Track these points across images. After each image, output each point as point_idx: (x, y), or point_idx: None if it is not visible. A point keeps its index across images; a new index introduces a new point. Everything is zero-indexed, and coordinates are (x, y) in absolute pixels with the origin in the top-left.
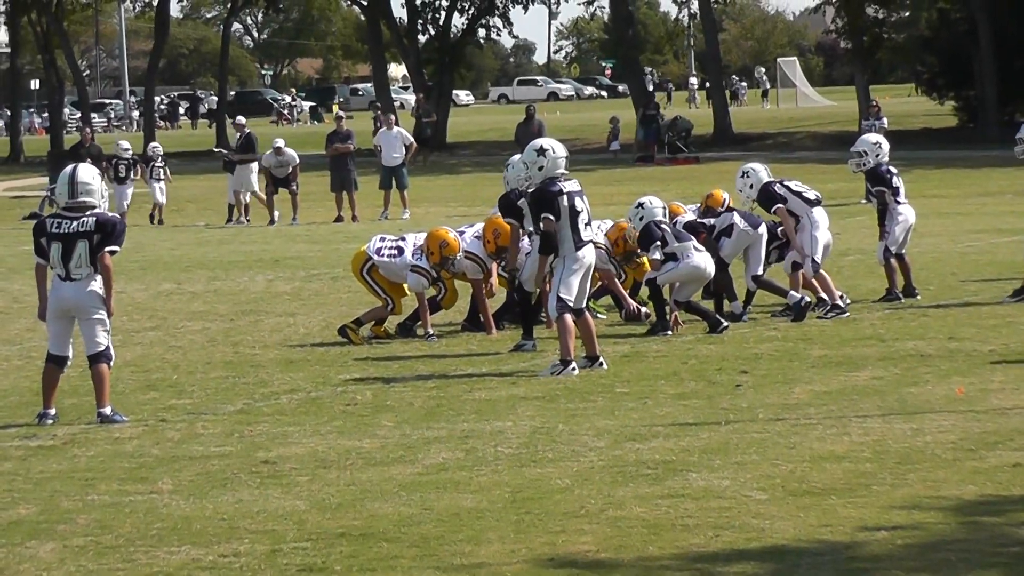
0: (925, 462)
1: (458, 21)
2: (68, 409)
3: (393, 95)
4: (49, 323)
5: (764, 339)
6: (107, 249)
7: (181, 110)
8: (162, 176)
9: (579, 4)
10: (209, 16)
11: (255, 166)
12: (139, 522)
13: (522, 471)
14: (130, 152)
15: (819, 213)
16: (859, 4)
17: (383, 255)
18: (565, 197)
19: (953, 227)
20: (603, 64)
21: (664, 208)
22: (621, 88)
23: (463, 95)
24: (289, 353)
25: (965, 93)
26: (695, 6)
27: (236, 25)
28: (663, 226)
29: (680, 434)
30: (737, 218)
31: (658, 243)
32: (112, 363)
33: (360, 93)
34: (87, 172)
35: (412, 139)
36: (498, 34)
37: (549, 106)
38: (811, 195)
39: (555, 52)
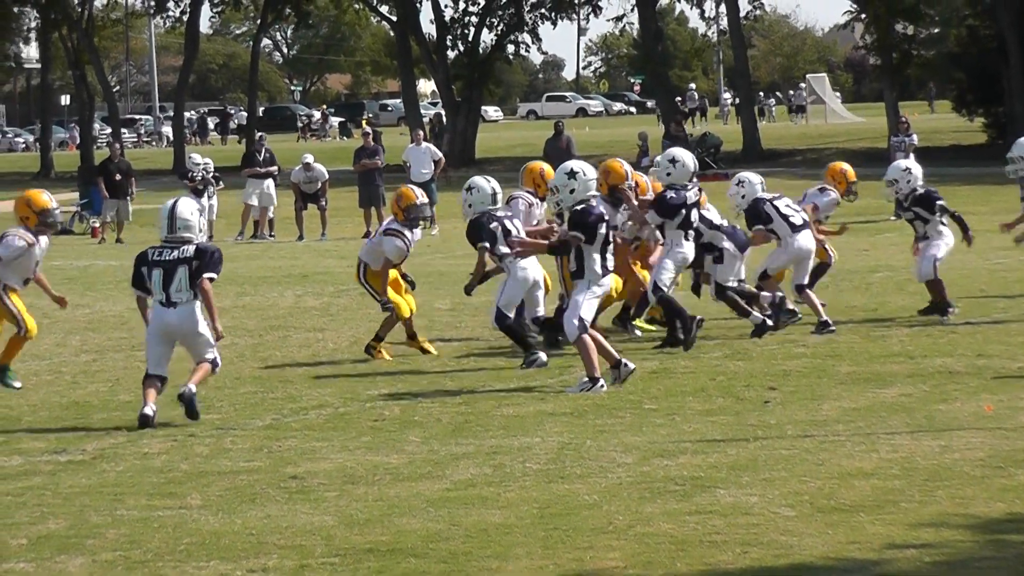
0: (953, 479)
1: (487, 37)
2: (97, 423)
3: (422, 111)
4: (150, 345)
5: (792, 356)
6: (206, 276)
7: (211, 125)
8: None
9: (608, 20)
10: (239, 32)
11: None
12: (168, 537)
13: (550, 487)
14: (208, 165)
15: (805, 237)
16: (888, 20)
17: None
18: (605, 225)
19: (982, 244)
20: (632, 80)
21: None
22: (650, 104)
23: (492, 111)
24: (317, 369)
25: (994, 109)
26: (724, 22)
27: (265, 41)
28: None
29: (708, 450)
30: (727, 243)
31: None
32: (218, 369)
33: (389, 109)
34: (187, 207)
35: (440, 155)
36: (527, 50)
37: (578, 122)
38: (797, 220)
39: (584, 68)
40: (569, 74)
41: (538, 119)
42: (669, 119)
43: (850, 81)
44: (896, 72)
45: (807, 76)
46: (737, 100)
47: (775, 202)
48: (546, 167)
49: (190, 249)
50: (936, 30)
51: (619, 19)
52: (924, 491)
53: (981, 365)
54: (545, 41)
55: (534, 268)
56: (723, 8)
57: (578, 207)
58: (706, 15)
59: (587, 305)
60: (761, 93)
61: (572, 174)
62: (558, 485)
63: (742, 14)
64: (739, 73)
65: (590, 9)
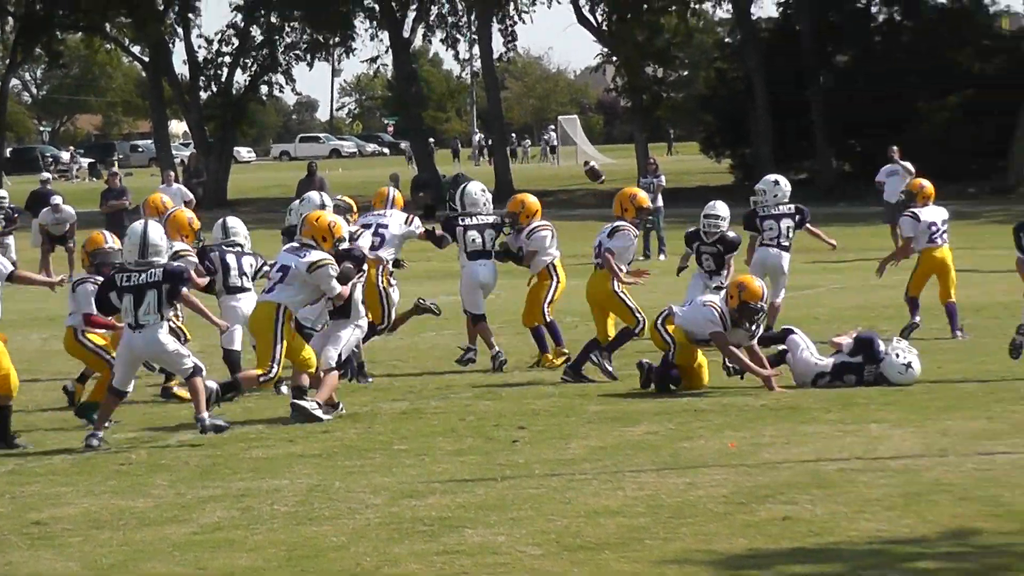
0: (697, 516)
1: (240, 78)
2: None
3: (174, 151)
4: (119, 363)
5: (542, 395)
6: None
7: None
8: None
9: (362, 61)
10: None
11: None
12: None
13: (298, 529)
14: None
15: None
16: (638, 63)
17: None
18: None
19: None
20: (386, 121)
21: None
22: (403, 145)
23: (244, 152)
24: (63, 413)
25: (741, 151)
26: (478, 64)
27: (14, 81)
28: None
29: (457, 490)
30: None
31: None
32: (204, 373)
33: (140, 150)
34: (156, 231)
35: (192, 195)
36: (280, 91)
37: (331, 163)
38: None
39: (338, 109)
40: (323, 115)
41: (291, 160)
42: (422, 161)
43: (601, 123)
44: (646, 114)
45: (559, 118)
46: (490, 141)
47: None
48: None
49: (158, 272)
50: (685, 73)
51: (373, 60)
52: (669, 528)
53: (726, 403)
54: (299, 82)
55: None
56: (477, 50)
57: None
58: (460, 57)
59: (351, 342)
60: (514, 134)
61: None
62: (306, 527)
63: (495, 56)
64: (492, 115)
65: (344, 50)
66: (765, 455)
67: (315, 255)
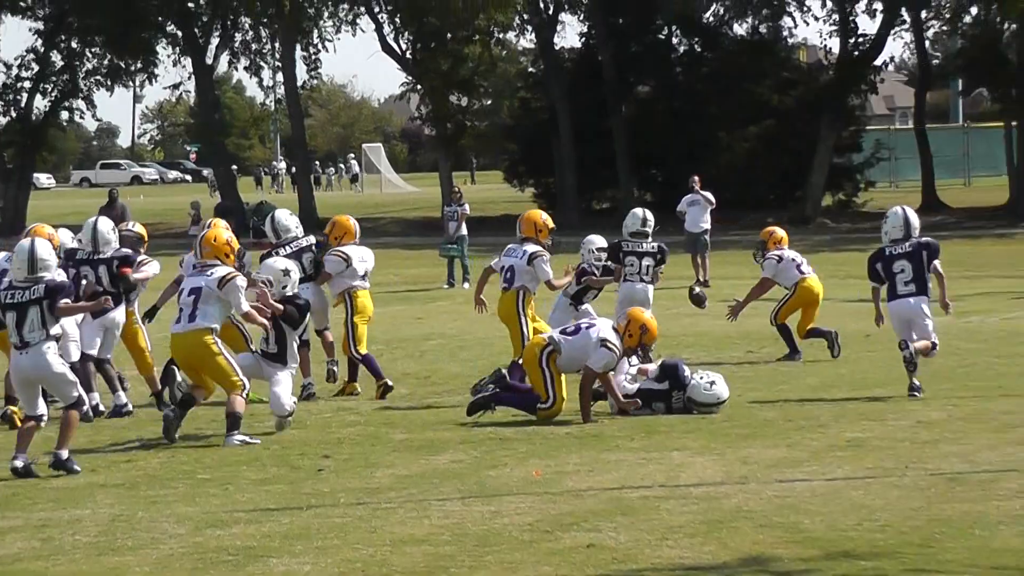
0: (503, 544)
1: (40, 103)
2: None
3: None
4: (18, 390)
5: (347, 424)
6: (60, 303)
7: None
8: None
9: (164, 88)
10: None
11: None
12: None
13: (100, 559)
14: None
15: None
16: (442, 92)
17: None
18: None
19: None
20: (188, 148)
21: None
22: (206, 172)
23: (44, 178)
24: None
25: (545, 180)
26: (282, 91)
27: None
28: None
29: (262, 519)
30: None
31: None
32: (84, 408)
33: None
34: (44, 247)
35: None
36: (81, 117)
37: (133, 190)
38: None
39: (139, 136)
40: (124, 141)
41: (92, 186)
42: (225, 188)
43: (406, 151)
44: (450, 143)
45: (363, 146)
46: (293, 169)
47: None
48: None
49: (40, 288)
50: (489, 102)
51: (176, 87)
52: (474, 556)
53: (531, 431)
54: (100, 108)
55: None
56: (280, 77)
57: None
58: (264, 84)
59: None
60: (318, 162)
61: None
62: (109, 558)
63: (299, 83)
64: (296, 142)
65: (146, 77)
66: (569, 483)
67: (222, 270)
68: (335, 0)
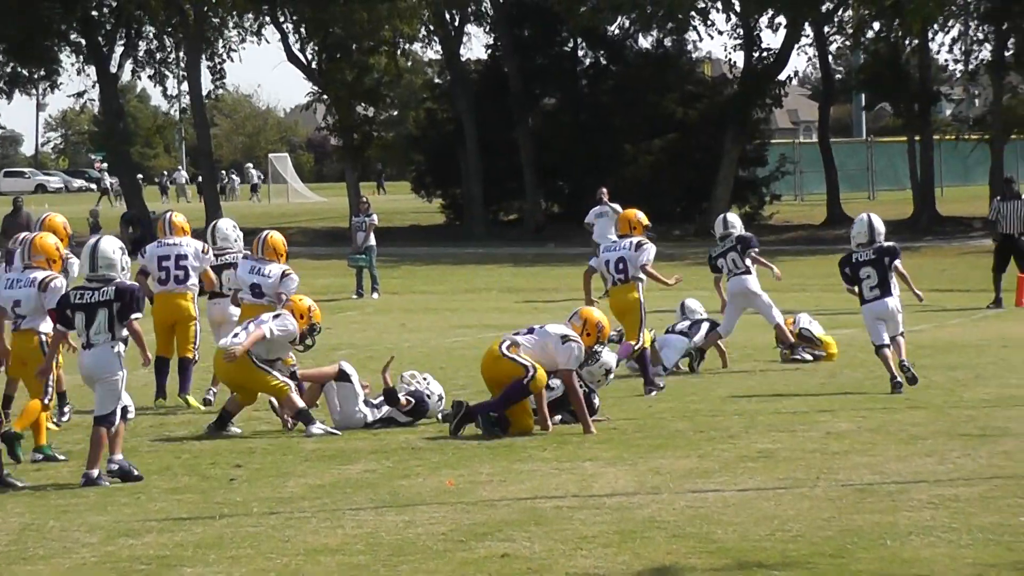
0: (417, 553)
1: None
2: None
3: None
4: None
5: (258, 433)
6: (132, 317)
7: None
8: None
9: (68, 96)
10: None
11: None
12: None
13: (11, 569)
14: None
15: None
16: (349, 102)
17: None
18: None
19: (441, 322)
20: (92, 157)
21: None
22: (110, 181)
23: None
24: None
25: (452, 191)
26: (187, 100)
27: None
28: None
29: (174, 529)
30: None
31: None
32: (114, 427)
33: None
34: (110, 245)
35: None
36: None
37: (37, 198)
38: None
39: (43, 144)
40: (28, 150)
41: None
42: (130, 197)
43: (312, 161)
44: (357, 153)
45: (269, 156)
46: (199, 178)
47: None
48: None
49: (110, 291)
50: (395, 112)
51: (79, 95)
52: (388, 566)
53: (442, 441)
54: (3, 116)
55: None
56: (185, 86)
57: None
58: (168, 93)
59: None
60: (223, 171)
61: None
62: (20, 567)
63: (204, 92)
64: (201, 152)
65: (49, 84)
66: (482, 493)
67: (41, 273)
68: (240, 10)
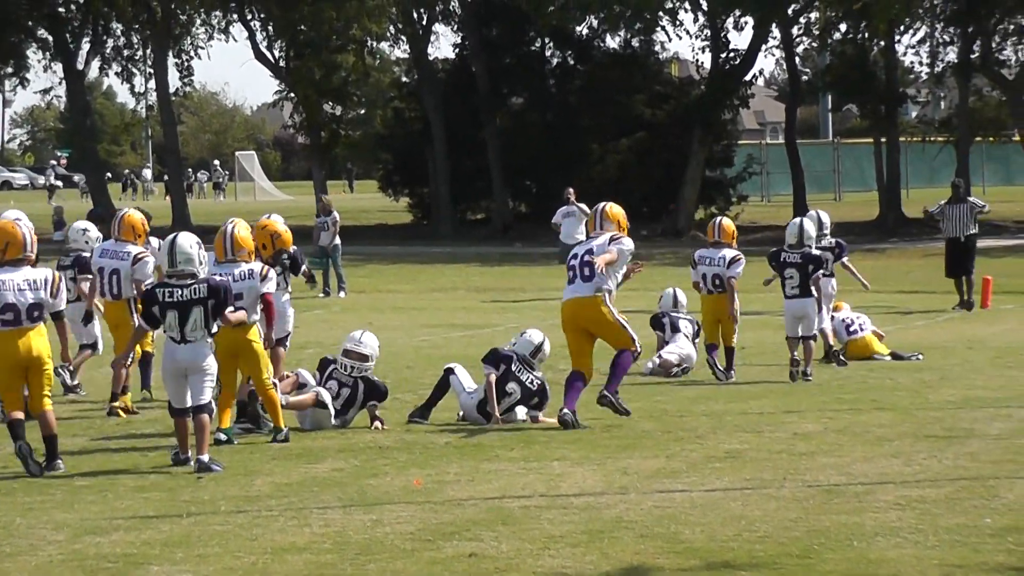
0: (384, 552)
1: None
2: None
3: None
4: (167, 383)
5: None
6: (238, 306)
7: None
8: None
9: (35, 92)
10: None
11: None
12: None
13: None
14: None
15: None
16: (316, 101)
17: None
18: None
19: (408, 322)
20: (59, 153)
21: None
22: (77, 178)
23: None
24: None
25: (420, 190)
26: (154, 98)
27: None
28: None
29: (142, 527)
30: None
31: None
32: (214, 414)
33: None
34: (187, 240)
35: None
36: None
37: (3, 195)
38: None
39: (9, 141)
40: None
41: None
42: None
43: (279, 159)
44: (324, 151)
45: (236, 154)
46: (166, 176)
47: None
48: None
49: (203, 288)
50: (363, 111)
51: (46, 92)
52: (356, 565)
53: (410, 440)
54: None
55: None
56: (152, 84)
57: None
58: (136, 90)
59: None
60: (191, 169)
61: None
62: None
63: (171, 90)
64: (168, 149)
65: (17, 81)
66: (450, 492)
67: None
68: (207, 8)
